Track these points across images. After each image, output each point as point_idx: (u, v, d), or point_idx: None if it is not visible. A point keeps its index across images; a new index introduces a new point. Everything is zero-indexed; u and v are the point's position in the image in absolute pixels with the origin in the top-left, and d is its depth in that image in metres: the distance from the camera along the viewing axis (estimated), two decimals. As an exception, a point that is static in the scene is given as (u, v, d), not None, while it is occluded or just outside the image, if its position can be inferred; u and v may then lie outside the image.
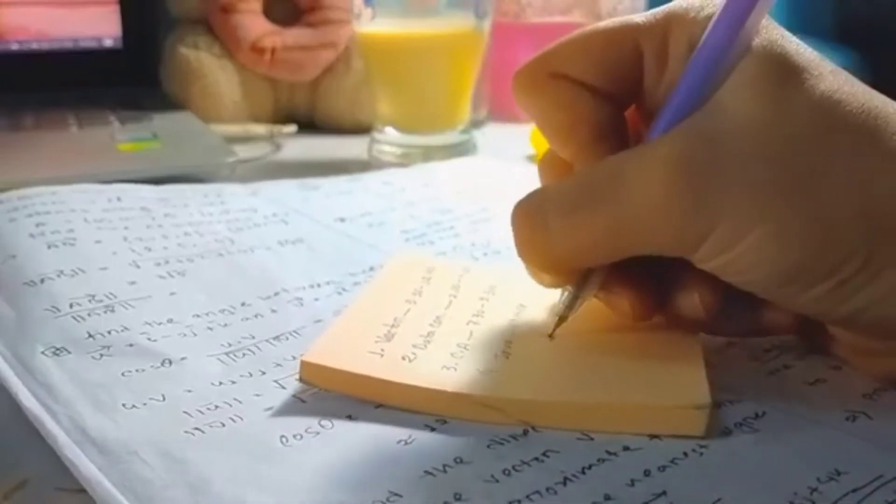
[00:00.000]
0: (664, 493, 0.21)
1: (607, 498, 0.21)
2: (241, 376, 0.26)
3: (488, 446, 0.23)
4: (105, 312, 0.29)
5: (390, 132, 0.57)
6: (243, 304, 0.31)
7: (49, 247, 0.34)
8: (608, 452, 0.23)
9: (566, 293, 0.27)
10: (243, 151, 0.54)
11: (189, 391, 0.25)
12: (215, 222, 0.39)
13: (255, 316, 0.31)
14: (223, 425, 0.24)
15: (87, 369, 0.26)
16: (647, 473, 0.22)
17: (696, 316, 0.26)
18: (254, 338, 0.29)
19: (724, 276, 0.24)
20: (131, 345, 0.28)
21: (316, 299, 0.32)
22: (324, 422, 0.24)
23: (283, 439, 0.23)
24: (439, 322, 0.29)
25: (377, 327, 0.28)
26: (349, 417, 0.24)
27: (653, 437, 0.23)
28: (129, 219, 0.38)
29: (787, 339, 0.28)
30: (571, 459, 0.22)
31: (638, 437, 0.23)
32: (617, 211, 0.24)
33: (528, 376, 0.26)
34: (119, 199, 0.40)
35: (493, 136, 0.65)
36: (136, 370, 0.26)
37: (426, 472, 0.22)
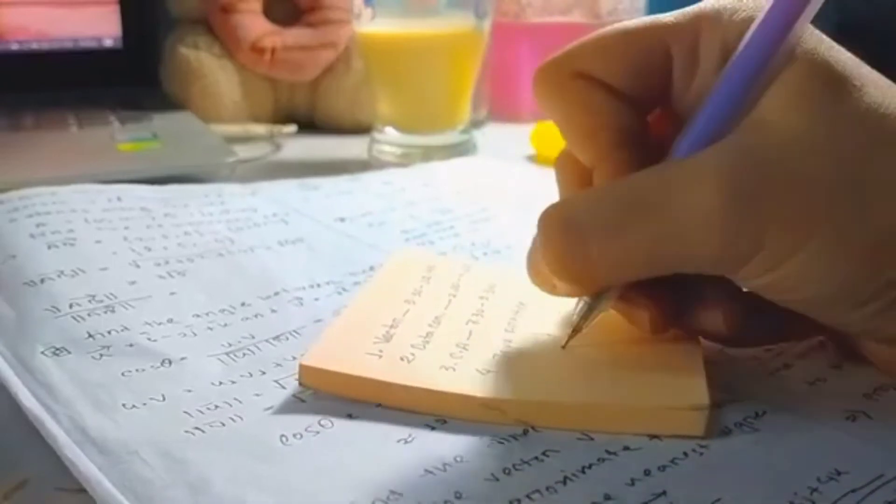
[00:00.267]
0: (664, 493, 0.21)
1: (607, 498, 0.21)
2: (241, 376, 0.26)
3: (488, 446, 0.23)
4: (105, 312, 0.29)
5: (390, 132, 0.57)
6: (243, 304, 0.31)
7: (49, 247, 0.34)
8: (608, 452, 0.23)
9: (582, 303, 0.26)
10: (243, 151, 0.54)
11: (189, 391, 0.25)
12: (215, 222, 0.39)
13: (255, 316, 0.31)
14: (223, 425, 0.24)
15: (87, 369, 0.26)
16: (647, 473, 0.22)
17: (718, 332, 0.26)
18: (254, 338, 0.29)
19: (767, 295, 0.24)
20: (131, 345, 0.28)
21: (316, 299, 0.32)
22: (324, 421, 0.24)
23: (283, 439, 0.23)
24: (438, 322, 0.29)
25: (376, 328, 0.28)
26: (349, 417, 0.24)
27: (653, 437, 0.23)
28: (129, 219, 0.38)
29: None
30: (571, 459, 0.22)
31: (638, 437, 0.23)
32: (661, 229, 0.23)
33: (528, 377, 0.26)
34: (119, 199, 0.40)
35: (493, 136, 0.65)
36: (136, 370, 0.26)
37: (426, 470, 0.22)
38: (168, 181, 0.44)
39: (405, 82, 0.56)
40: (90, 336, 0.28)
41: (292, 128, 0.63)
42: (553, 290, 0.27)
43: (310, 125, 0.66)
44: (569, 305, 0.28)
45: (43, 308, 0.29)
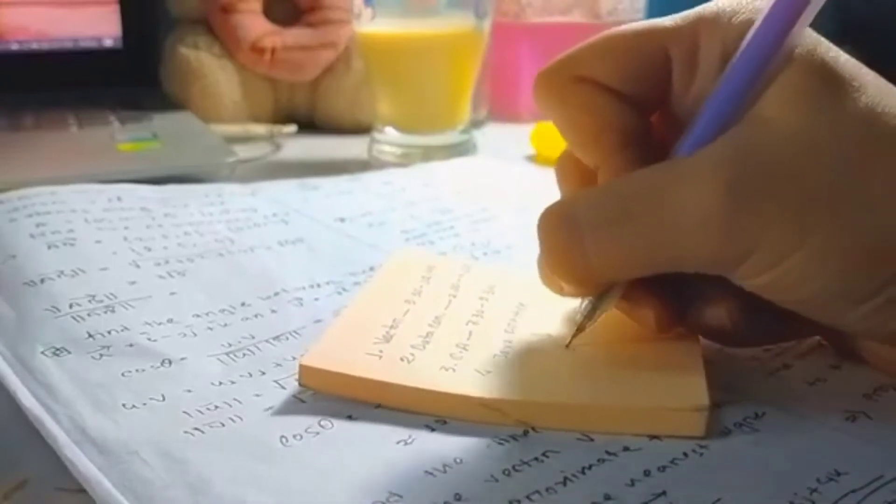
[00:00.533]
0: (664, 493, 0.21)
1: (607, 498, 0.21)
2: (241, 376, 0.26)
3: (488, 446, 0.23)
4: (105, 312, 0.29)
5: (390, 132, 0.57)
6: (243, 304, 0.31)
7: (49, 247, 0.34)
8: (608, 453, 0.23)
9: (586, 303, 0.27)
10: (243, 151, 0.54)
11: (189, 391, 0.25)
12: (215, 222, 0.39)
13: (255, 316, 0.31)
14: (223, 425, 0.24)
15: (87, 369, 0.26)
16: (647, 473, 0.22)
17: (722, 329, 0.26)
18: (254, 338, 0.29)
19: (766, 295, 0.24)
20: (131, 345, 0.28)
21: (316, 299, 0.32)
22: (324, 422, 0.24)
23: (283, 439, 0.23)
24: (438, 322, 0.29)
25: (376, 329, 0.28)
26: (349, 417, 0.24)
27: (653, 437, 0.23)
28: (129, 219, 0.38)
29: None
30: (571, 459, 0.22)
31: (638, 437, 0.23)
32: (657, 226, 0.23)
33: (528, 377, 0.26)
34: (119, 199, 0.40)
35: (493, 136, 0.65)
36: (136, 370, 0.26)
37: (426, 472, 0.22)
38: (168, 181, 0.44)
39: (405, 82, 0.56)
40: (90, 336, 0.28)
41: (292, 128, 0.63)
42: (561, 291, 0.27)
43: (310, 125, 0.66)
44: (569, 306, 0.28)
45: (43, 308, 0.29)
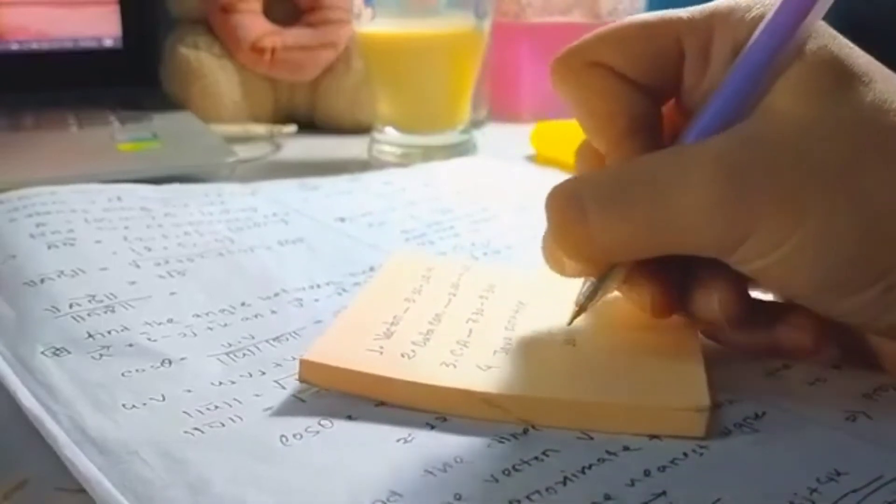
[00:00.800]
0: (664, 493, 0.21)
1: (607, 498, 0.21)
2: (241, 376, 0.26)
3: (488, 445, 0.23)
4: (105, 312, 0.29)
5: (390, 132, 0.57)
6: (243, 304, 0.31)
7: (49, 247, 0.34)
8: (608, 452, 0.23)
9: (588, 283, 0.27)
10: (243, 151, 0.54)
11: (189, 391, 0.25)
12: (215, 222, 0.39)
13: (255, 316, 0.31)
14: (223, 425, 0.24)
15: (87, 369, 0.26)
16: (647, 473, 0.22)
17: (712, 318, 0.26)
18: (254, 338, 0.29)
19: (762, 282, 0.24)
20: (131, 345, 0.28)
21: (316, 300, 0.32)
22: (324, 421, 0.24)
23: (283, 439, 0.23)
24: (439, 320, 0.29)
25: (376, 325, 0.28)
26: (349, 417, 0.24)
27: (653, 437, 0.23)
28: (129, 219, 0.38)
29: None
30: (571, 459, 0.22)
31: (638, 437, 0.23)
32: (658, 208, 0.24)
33: (529, 373, 0.26)
34: (119, 199, 0.40)
35: (493, 136, 0.65)
36: (136, 370, 0.26)
37: (426, 471, 0.22)
38: (168, 181, 0.44)
39: (405, 82, 0.56)
40: (90, 336, 0.28)
41: (292, 128, 0.63)
42: (563, 271, 0.27)
43: (310, 125, 0.66)
44: (569, 307, 0.28)
45: (43, 308, 0.29)
